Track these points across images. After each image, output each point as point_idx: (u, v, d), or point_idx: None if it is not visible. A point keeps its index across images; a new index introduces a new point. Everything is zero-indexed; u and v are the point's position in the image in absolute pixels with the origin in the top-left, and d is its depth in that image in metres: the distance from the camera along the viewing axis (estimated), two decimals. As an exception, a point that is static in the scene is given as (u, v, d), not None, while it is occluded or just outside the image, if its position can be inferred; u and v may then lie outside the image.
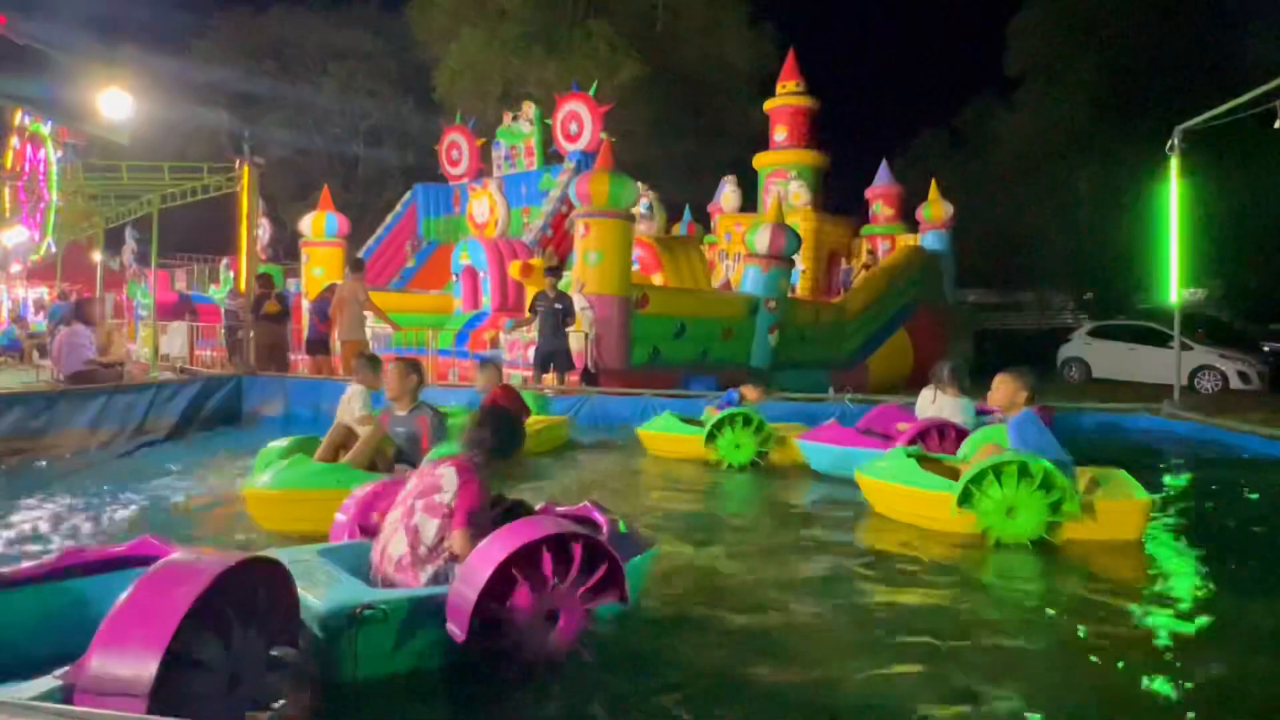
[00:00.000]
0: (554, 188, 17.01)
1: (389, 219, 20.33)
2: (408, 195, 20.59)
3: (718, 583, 3.84)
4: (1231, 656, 3.07)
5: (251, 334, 11.13)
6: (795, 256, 14.21)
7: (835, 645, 3.16)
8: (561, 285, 10.56)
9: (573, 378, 10.33)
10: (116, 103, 8.54)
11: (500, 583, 2.60)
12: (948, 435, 5.56)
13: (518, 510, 3.32)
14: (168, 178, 11.26)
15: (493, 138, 19.45)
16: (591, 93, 17.46)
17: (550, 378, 10.13)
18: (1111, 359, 17.44)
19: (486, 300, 14.70)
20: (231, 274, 17.17)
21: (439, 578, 2.85)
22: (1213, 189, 17.94)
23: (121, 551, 2.42)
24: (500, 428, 3.22)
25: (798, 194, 19.34)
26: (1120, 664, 2.96)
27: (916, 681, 2.81)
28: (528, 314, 10.44)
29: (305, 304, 13.38)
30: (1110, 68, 22.48)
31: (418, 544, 2.90)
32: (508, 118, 19.20)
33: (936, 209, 18.07)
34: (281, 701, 2.18)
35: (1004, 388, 4.83)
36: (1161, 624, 3.38)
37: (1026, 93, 25.62)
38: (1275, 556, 4.54)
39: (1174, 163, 9.83)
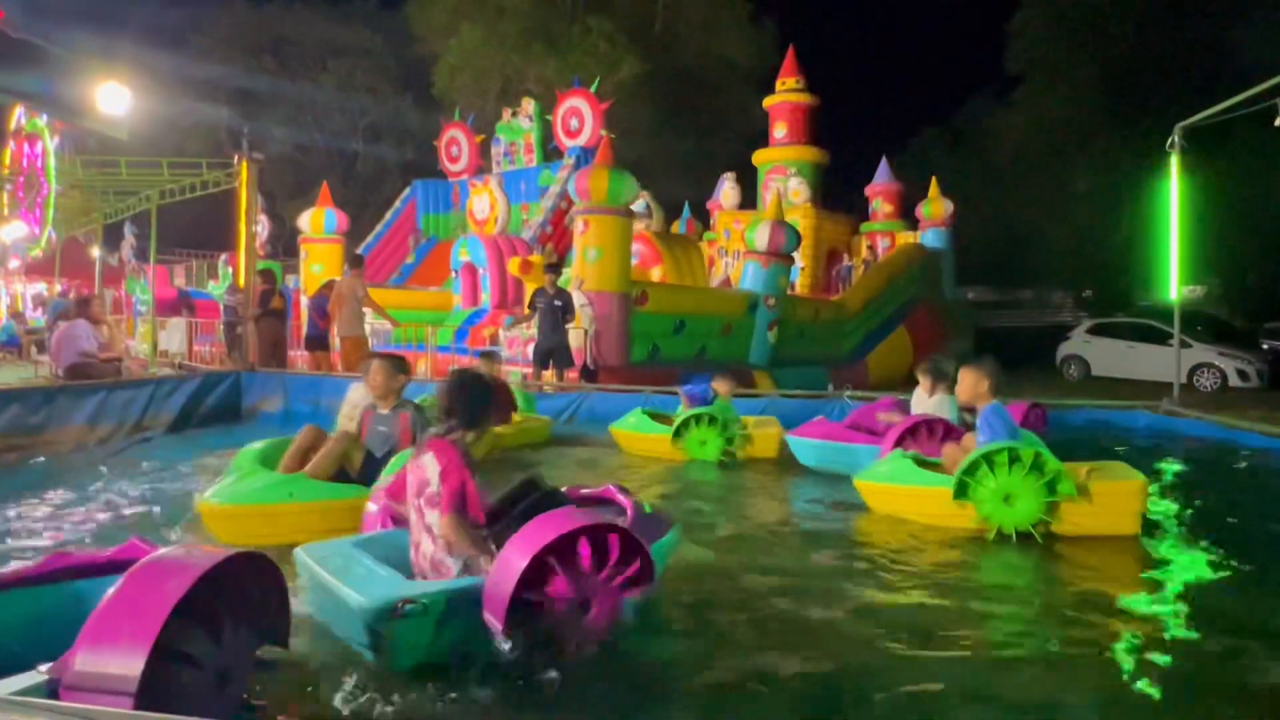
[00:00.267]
0: (554, 184, 16.99)
1: (388, 215, 20.31)
2: (407, 191, 20.56)
3: (710, 576, 3.83)
4: (1232, 654, 3.06)
5: (255, 330, 11.11)
6: (795, 254, 14.20)
7: (827, 643, 3.15)
8: (561, 282, 10.54)
9: (572, 375, 10.32)
10: (114, 98, 8.52)
11: (537, 571, 2.63)
12: (936, 432, 5.55)
13: (552, 498, 3.29)
14: (166, 173, 11.23)
15: (492, 134, 19.42)
16: (592, 89, 17.42)
17: (550, 374, 10.12)
18: (1111, 357, 17.42)
19: (486, 297, 14.68)
20: (230, 270, 17.14)
21: (469, 568, 2.90)
22: (1212, 187, 17.92)
23: (109, 555, 2.41)
24: (465, 394, 3.14)
25: (797, 191, 19.32)
26: (1118, 662, 2.95)
27: (913, 679, 2.80)
28: (527, 310, 10.42)
29: (304, 300, 13.37)
30: (1110, 66, 22.45)
31: (435, 540, 2.94)
32: (507, 114, 19.16)
33: (936, 206, 18.05)
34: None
35: (965, 381, 4.85)
36: (1162, 621, 3.37)
37: (1026, 91, 25.58)
38: (1276, 553, 4.53)
39: (1174, 160, 9.81)
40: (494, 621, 2.59)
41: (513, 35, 26.02)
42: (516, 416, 7.80)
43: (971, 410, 5.13)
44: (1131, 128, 20.85)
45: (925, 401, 6.19)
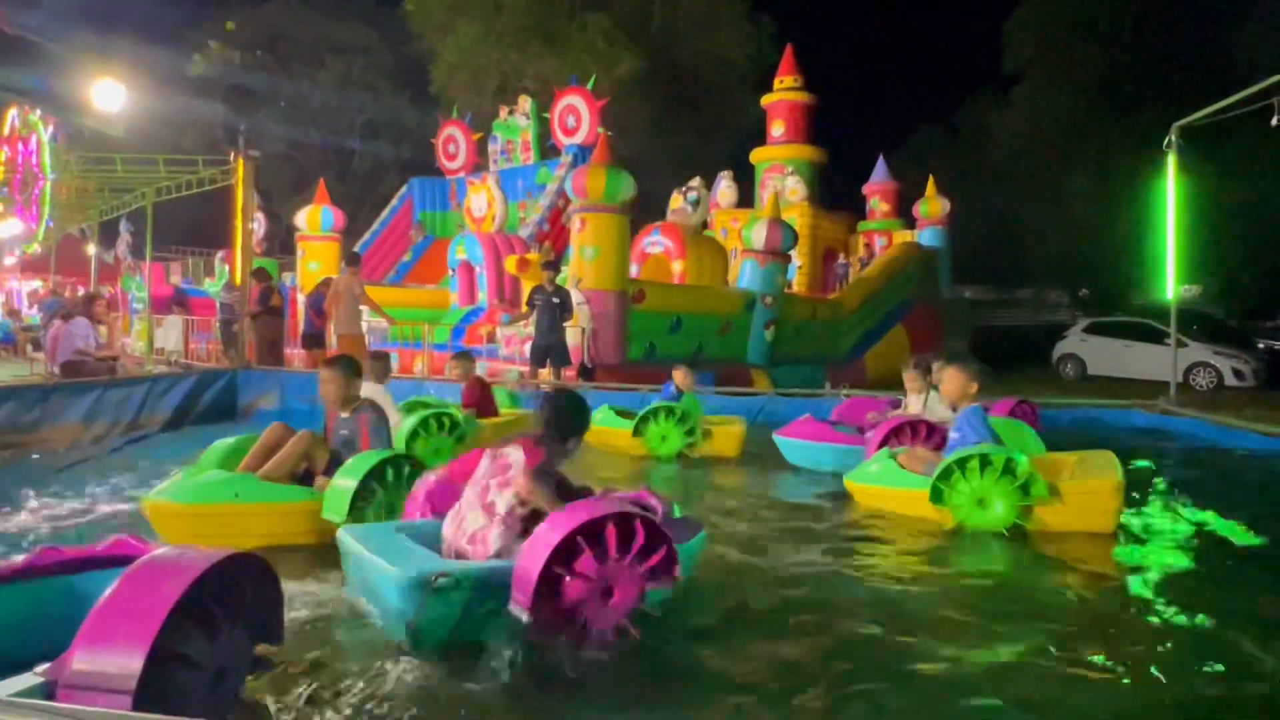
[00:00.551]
0: (551, 182, 16.98)
1: (385, 213, 20.31)
2: (404, 189, 20.57)
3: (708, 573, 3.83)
4: (1228, 651, 3.06)
5: (251, 328, 11.09)
6: (792, 252, 14.21)
7: (819, 642, 3.16)
8: (559, 280, 10.54)
9: (569, 373, 10.32)
10: (110, 94, 8.52)
11: (565, 555, 2.75)
12: (919, 432, 5.58)
13: (585, 495, 3.41)
14: (163, 171, 11.21)
15: (489, 132, 19.40)
16: (589, 86, 17.41)
17: (547, 372, 10.11)
18: (1107, 356, 17.47)
19: (483, 295, 14.68)
20: (226, 268, 17.13)
21: (503, 553, 3.03)
22: (1209, 186, 17.94)
23: (98, 551, 2.40)
24: (563, 408, 3.39)
25: (795, 189, 19.33)
26: (1115, 659, 2.96)
27: (906, 677, 2.81)
28: (525, 308, 10.41)
29: (300, 298, 13.36)
30: (1108, 66, 22.46)
31: (492, 516, 3.11)
32: (504, 112, 19.16)
33: (933, 205, 18.08)
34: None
35: (955, 381, 4.92)
36: (1153, 620, 3.38)
37: (1024, 90, 25.59)
38: (1270, 552, 4.54)
39: (1171, 160, 9.82)
40: (521, 600, 2.71)
41: (510, 32, 25.98)
42: (505, 413, 7.78)
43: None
44: (1128, 127, 20.86)
45: (916, 401, 6.25)
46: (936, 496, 4.63)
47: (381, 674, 2.66)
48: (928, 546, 4.45)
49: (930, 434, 5.53)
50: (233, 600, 2.12)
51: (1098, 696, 2.70)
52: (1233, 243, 20.23)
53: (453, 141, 20.03)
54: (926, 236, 18.23)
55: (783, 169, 19.85)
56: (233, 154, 10.81)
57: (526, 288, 11.63)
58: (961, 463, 4.54)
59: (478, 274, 14.83)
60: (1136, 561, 4.23)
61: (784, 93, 20.28)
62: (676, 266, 14.14)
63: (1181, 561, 4.27)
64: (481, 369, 11.02)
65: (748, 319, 13.05)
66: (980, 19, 47.72)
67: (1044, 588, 3.86)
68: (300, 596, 3.31)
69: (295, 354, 12.91)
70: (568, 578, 2.74)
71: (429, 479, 3.67)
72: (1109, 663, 2.93)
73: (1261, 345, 18.28)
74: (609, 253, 11.17)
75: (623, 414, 7.48)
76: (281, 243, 21.94)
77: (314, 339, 11.45)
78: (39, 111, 9.75)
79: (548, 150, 18.32)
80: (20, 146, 10.78)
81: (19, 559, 2.40)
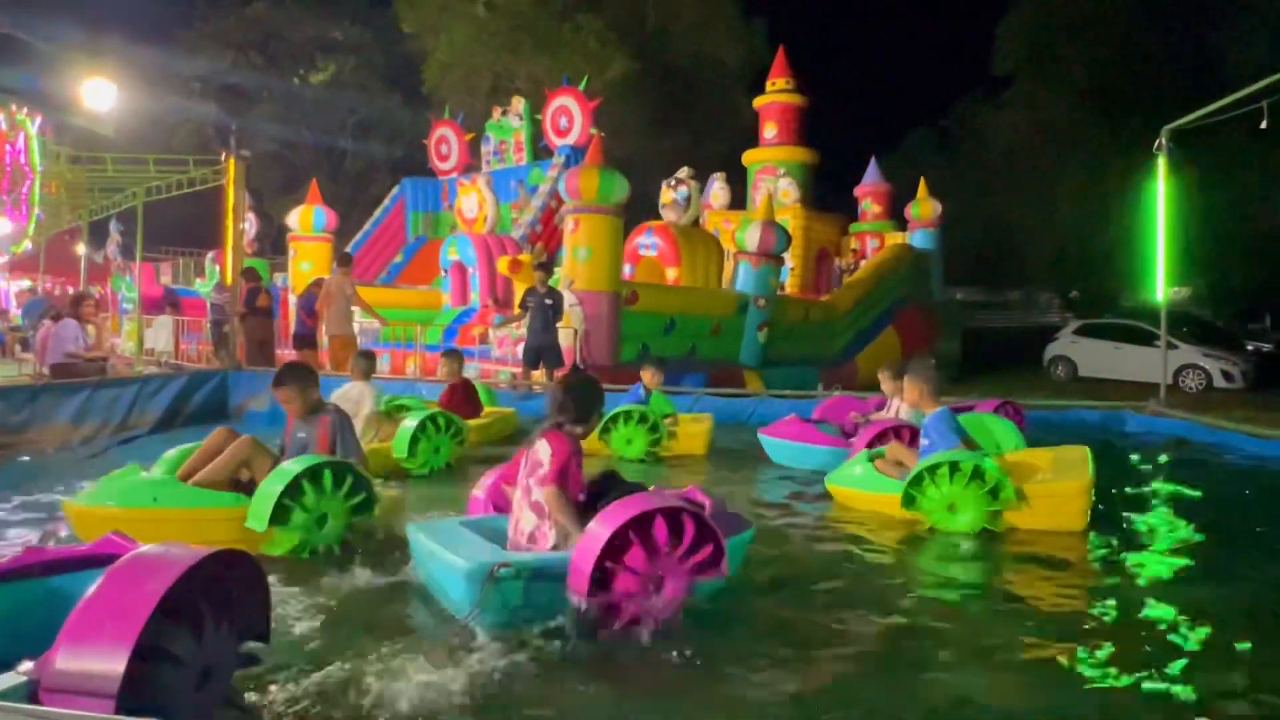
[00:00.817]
0: (543, 183, 16.96)
1: (377, 213, 20.25)
2: (396, 190, 20.51)
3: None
4: (1222, 649, 3.08)
5: (241, 328, 11.03)
6: (785, 254, 14.23)
7: (807, 640, 3.16)
8: (552, 281, 10.52)
9: (562, 374, 10.29)
10: (100, 93, 8.49)
11: (618, 546, 2.90)
12: (904, 437, 5.61)
13: (636, 490, 3.46)
14: (153, 170, 11.17)
15: (482, 132, 19.36)
16: (581, 87, 17.40)
17: (539, 374, 10.09)
18: (1098, 357, 17.55)
19: (475, 296, 14.64)
20: (217, 268, 17.05)
21: (560, 545, 3.19)
22: (1199, 188, 18.06)
23: (85, 550, 2.38)
24: (576, 393, 3.46)
25: (787, 191, 19.35)
26: (1101, 658, 2.97)
27: (890, 674, 2.81)
28: (517, 309, 10.39)
29: (291, 299, 13.30)
30: (1098, 67, 22.57)
31: (542, 515, 3.26)
32: (497, 113, 19.12)
33: (925, 207, 18.13)
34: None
35: (909, 391, 5.10)
36: (1144, 619, 3.39)
37: (1015, 92, 25.71)
38: (1259, 553, 4.56)
39: (1162, 163, 9.86)
40: (576, 588, 2.87)
41: (503, 33, 25.96)
42: (486, 412, 7.76)
43: (961, 410, 5.19)
44: (1119, 130, 20.96)
45: (894, 406, 6.31)
46: (909, 502, 4.73)
47: (378, 674, 2.63)
48: (909, 546, 4.49)
49: (914, 439, 5.56)
50: (219, 598, 2.10)
51: (1083, 695, 2.70)
52: (1222, 245, 20.37)
53: (445, 142, 19.98)
54: (918, 238, 18.28)
55: (775, 171, 19.87)
56: (224, 154, 10.77)
57: (519, 289, 11.61)
58: (932, 469, 4.64)
59: (470, 275, 14.80)
60: (1122, 562, 4.24)
61: (776, 94, 20.30)
62: (671, 273, 14.15)
63: (1169, 562, 4.28)
64: (474, 370, 11.00)
65: (740, 321, 13.06)
66: (972, 21, 47.89)
67: (1025, 586, 3.87)
68: (289, 595, 3.30)
69: (287, 354, 12.85)
70: (619, 571, 2.89)
71: (487, 478, 3.85)
72: (1095, 660, 2.94)
73: (1250, 347, 18.38)
74: (602, 254, 11.16)
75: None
76: (273, 243, 21.87)
77: (305, 339, 11.40)
78: (25, 110, 9.68)
79: (540, 151, 18.30)
80: (8, 147, 10.71)
81: (5, 560, 2.38)
